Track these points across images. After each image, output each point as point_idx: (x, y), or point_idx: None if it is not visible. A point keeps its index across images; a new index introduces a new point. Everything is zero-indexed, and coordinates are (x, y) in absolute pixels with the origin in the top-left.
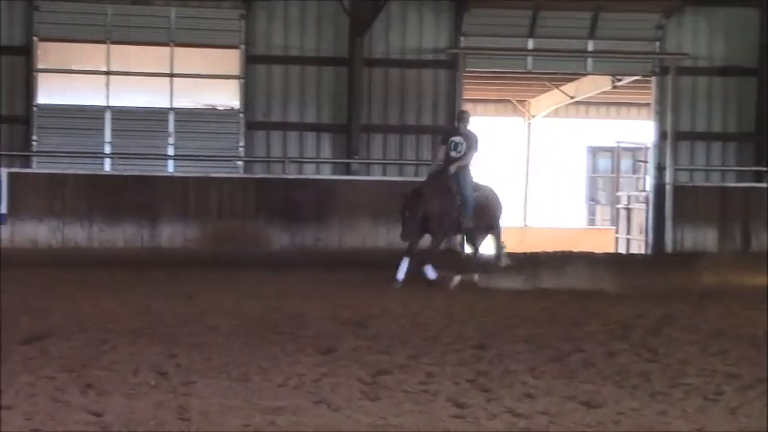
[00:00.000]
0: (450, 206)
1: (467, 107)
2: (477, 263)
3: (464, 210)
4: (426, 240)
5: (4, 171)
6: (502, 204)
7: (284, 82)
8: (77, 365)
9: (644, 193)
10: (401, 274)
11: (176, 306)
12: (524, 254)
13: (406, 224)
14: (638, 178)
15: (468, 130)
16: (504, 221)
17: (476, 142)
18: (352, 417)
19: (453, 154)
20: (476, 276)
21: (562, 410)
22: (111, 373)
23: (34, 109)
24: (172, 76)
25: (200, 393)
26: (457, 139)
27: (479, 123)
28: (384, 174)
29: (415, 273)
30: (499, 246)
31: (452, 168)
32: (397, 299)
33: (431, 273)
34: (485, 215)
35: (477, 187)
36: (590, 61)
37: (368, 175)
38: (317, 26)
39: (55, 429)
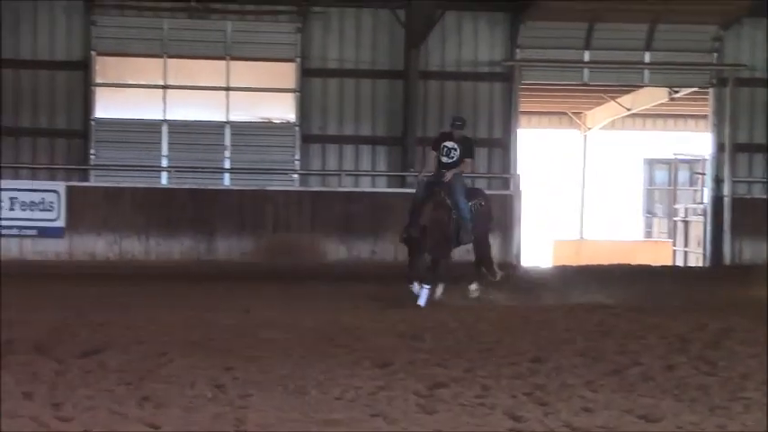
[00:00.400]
0: (447, 226)
1: (522, 119)
2: (480, 273)
3: (462, 222)
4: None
5: (63, 185)
6: (492, 214)
7: (339, 95)
8: (135, 378)
9: (702, 206)
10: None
11: (233, 319)
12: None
13: (412, 265)
14: (695, 190)
15: (463, 136)
16: (493, 231)
17: (470, 148)
18: (409, 430)
19: (446, 160)
20: (472, 287)
21: (620, 424)
22: (169, 385)
23: (92, 123)
24: (228, 89)
25: (256, 406)
26: (450, 144)
27: (535, 135)
28: None
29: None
30: (489, 258)
31: (448, 176)
32: (451, 312)
33: (424, 296)
34: (478, 224)
35: (475, 194)
36: (647, 73)
37: None
38: (372, 39)
39: None
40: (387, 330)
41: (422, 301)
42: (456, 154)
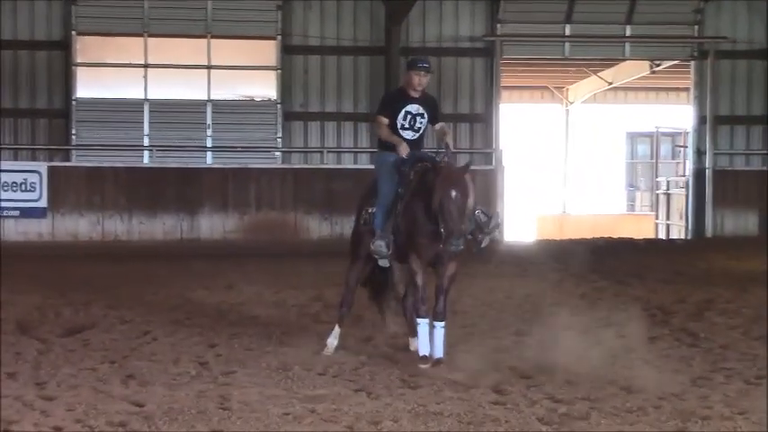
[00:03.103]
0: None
1: (504, 94)
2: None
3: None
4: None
5: (44, 165)
6: None
7: (321, 72)
8: (119, 357)
9: (683, 179)
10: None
11: (216, 297)
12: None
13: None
14: (677, 163)
15: (428, 94)
16: None
17: (438, 109)
18: (392, 404)
19: (410, 135)
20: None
21: (603, 395)
22: (153, 363)
23: (73, 103)
24: (209, 67)
25: (240, 383)
26: (414, 108)
27: (517, 110)
28: None
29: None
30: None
31: (450, 141)
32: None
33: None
34: None
35: None
36: (628, 46)
37: None
38: (353, 16)
39: (97, 419)
40: (369, 306)
41: (439, 351)
42: (423, 123)
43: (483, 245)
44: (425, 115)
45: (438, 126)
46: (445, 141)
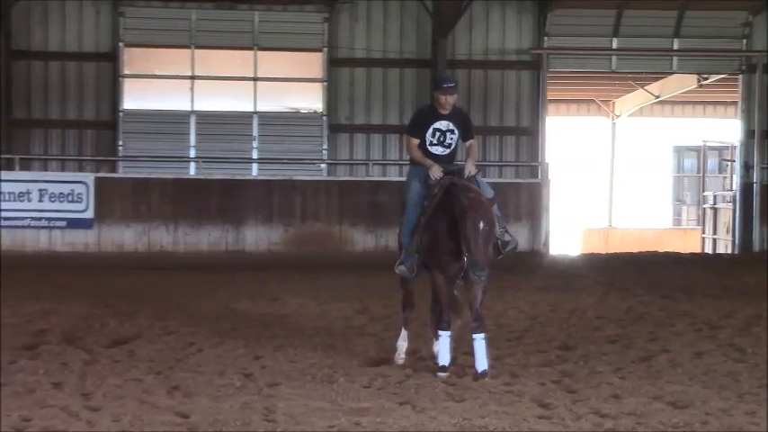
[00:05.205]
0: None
1: (550, 107)
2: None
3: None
4: None
5: (91, 176)
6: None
7: (367, 84)
8: (164, 368)
9: (731, 193)
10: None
11: (261, 309)
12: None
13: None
14: (724, 177)
15: (457, 109)
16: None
17: (470, 125)
18: (437, 418)
19: (440, 151)
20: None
21: (649, 411)
22: (198, 374)
23: (120, 114)
24: (255, 79)
25: (285, 395)
26: (443, 124)
27: (563, 123)
28: None
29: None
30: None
31: (471, 168)
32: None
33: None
34: None
35: None
36: (675, 60)
37: None
38: (400, 28)
39: (142, 430)
40: (415, 319)
41: (483, 363)
42: (454, 139)
43: None
44: (456, 131)
45: (468, 144)
46: (467, 162)
